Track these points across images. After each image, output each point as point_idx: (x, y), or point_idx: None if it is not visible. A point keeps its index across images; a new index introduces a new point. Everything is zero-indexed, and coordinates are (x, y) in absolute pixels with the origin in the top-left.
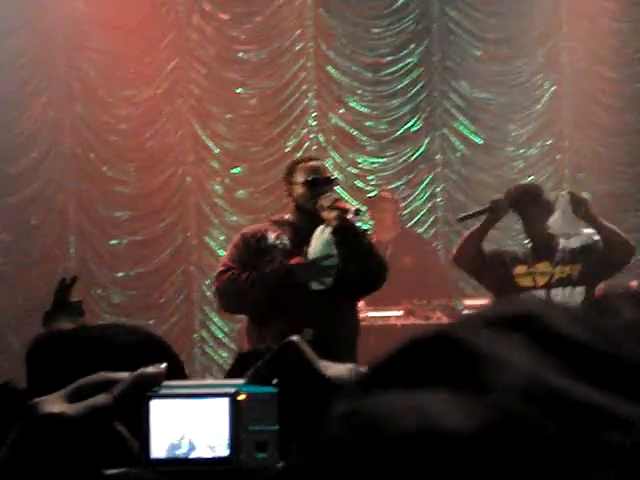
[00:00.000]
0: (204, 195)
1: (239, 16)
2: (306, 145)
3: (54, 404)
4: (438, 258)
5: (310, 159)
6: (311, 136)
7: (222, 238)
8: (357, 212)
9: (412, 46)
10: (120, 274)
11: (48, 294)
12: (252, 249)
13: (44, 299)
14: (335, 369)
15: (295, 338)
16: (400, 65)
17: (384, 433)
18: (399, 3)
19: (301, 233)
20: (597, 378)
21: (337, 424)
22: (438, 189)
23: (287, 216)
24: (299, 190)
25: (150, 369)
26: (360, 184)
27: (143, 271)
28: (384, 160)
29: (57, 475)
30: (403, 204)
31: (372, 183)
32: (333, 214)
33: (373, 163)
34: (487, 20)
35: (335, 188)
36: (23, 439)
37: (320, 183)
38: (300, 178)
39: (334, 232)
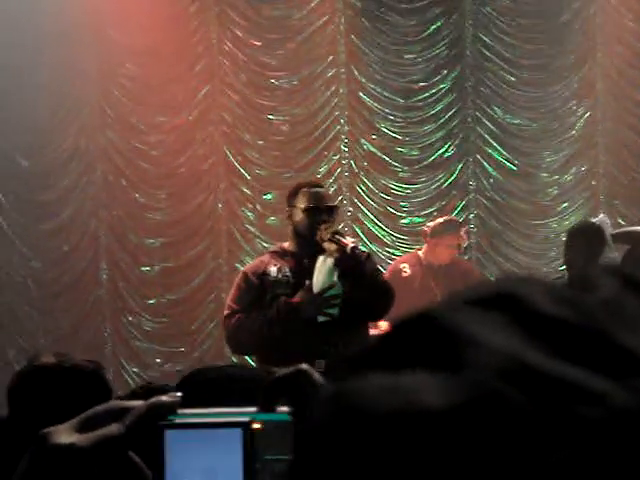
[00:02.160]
0: (235, 221)
1: (271, 42)
2: (338, 171)
3: (64, 434)
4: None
5: (314, 185)
6: (343, 162)
7: None
8: (354, 250)
9: (445, 72)
10: (151, 301)
11: (79, 321)
12: (255, 288)
13: (76, 326)
14: None
15: (304, 366)
16: (432, 91)
17: (365, 413)
18: (431, 29)
19: (302, 262)
20: (574, 354)
21: (322, 406)
22: (471, 216)
23: (287, 244)
24: (299, 216)
25: (164, 398)
26: (392, 210)
27: (174, 298)
28: (417, 186)
29: None
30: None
31: (404, 209)
32: (334, 246)
33: (406, 189)
34: (521, 46)
35: (335, 216)
36: (33, 470)
37: (321, 211)
38: (301, 204)
39: (336, 263)
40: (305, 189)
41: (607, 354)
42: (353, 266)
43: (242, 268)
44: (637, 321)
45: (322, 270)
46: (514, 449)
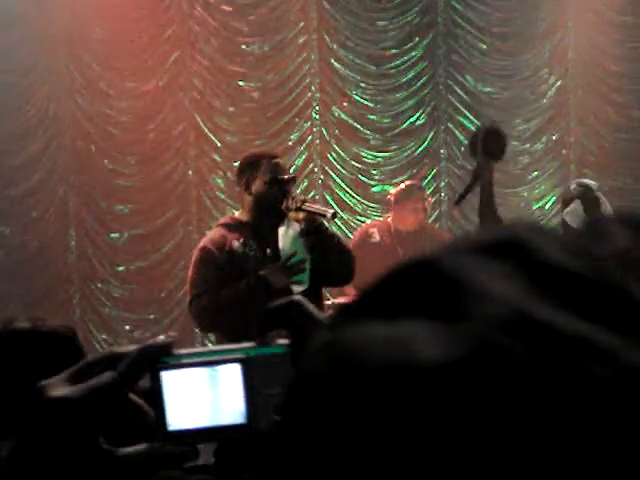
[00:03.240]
0: (206, 188)
1: (242, 8)
2: (309, 139)
3: (58, 387)
4: None
5: (273, 156)
6: (314, 129)
7: None
8: (334, 216)
9: (417, 39)
10: (121, 268)
11: (48, 288)
12: (221, 264)
13: (45, 292)
14: None
15: (297, 297)
16: (404, 58)
17: (359, 365)
18: None
19: (263, 234)
20: (585, 309)
21: (314, 356)
22: (442, 184)
23: (239, 215)
24: (262, 187)
25: (157, 340)
26: (363, 178)
27: (144, 265)
28: (388, 154)
29: (70, 459)
30: None
31: (376, 177)
32: (301, 215)
33: (377, 157)
34: (493, 13)
35: (294, 187)
36: (31, 426)
37: (285, 182)
38: (265, 175)
39: (302, 234)
40: (267, 160)
41: (620, 310)
42: (322, 237)
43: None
44: None
45: (287, 239)
46: (517, 410)
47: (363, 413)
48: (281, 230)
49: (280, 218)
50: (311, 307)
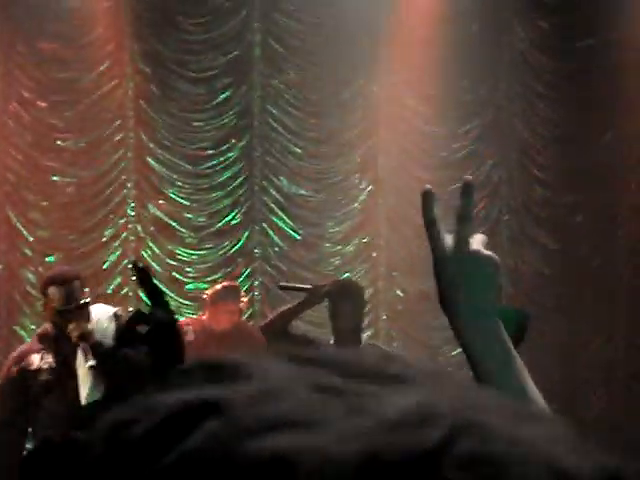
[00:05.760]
0: (16, 283)
1: (58, 104)
2: (124, 235)
3: None
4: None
5: (66, 279)
6: (129, 226)
7: (33, 327)
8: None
9: (233, 141)
10: None
11: None
12: (15, 380)
13: None
14: None
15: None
16: (221, 159)
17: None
18: (220, 98)
19: (62, 349)
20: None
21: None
22: (256, 283)
23: (49, 327)
24: (52, 312)
25: None
26: (178, 276)
27: None
28: (203, 252)
29: None
30: None
31: (190, 275)
32: (83, 344)
33: (192, 255)
34: (307, 119)
35: (86, 310)
36: None
37: (72, 310)
38: (53, 302)
39: (93, 366)
40: (56, 286)
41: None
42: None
43: (20, 330)
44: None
45: (84, 380)
46: None
47: None
48: (78, 362)
49: (70, 341)
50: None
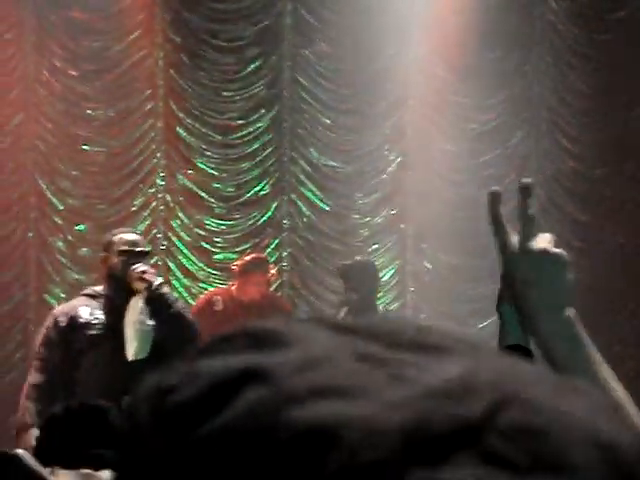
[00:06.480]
0: (46, 251)
1: (88, 73)
2: (153, 204)
3: None
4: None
5: (128, 232)
6: (159, 196)
7: (63, 296)
8: (159, 287)
9: (262, 111)
10: None
11: None
12: (63, 330)
13: None
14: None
15: (20, 451)
16: (250, 129)
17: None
18: (250, 68)
19: (115, 304)
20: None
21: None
22: (284, 254)
23: (100, 288)
24: (113, 260)
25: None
26: (207, 246)
27: None
28: (231, 223)
29: None
30: None
31: (219, 245)
32: (142, 285)
33: (220, 225)
34: (337, 90)
35: (147, 260)
36: None
37: (134, 254)
38: (116, 247)
39: (146, 302)
40: (119, 236)
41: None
42: (162, 304)
43: (50, 298)
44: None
45: (133, 310)
46: None
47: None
48: (133, 300)
49: (127, 289)
50: (32, 463)
